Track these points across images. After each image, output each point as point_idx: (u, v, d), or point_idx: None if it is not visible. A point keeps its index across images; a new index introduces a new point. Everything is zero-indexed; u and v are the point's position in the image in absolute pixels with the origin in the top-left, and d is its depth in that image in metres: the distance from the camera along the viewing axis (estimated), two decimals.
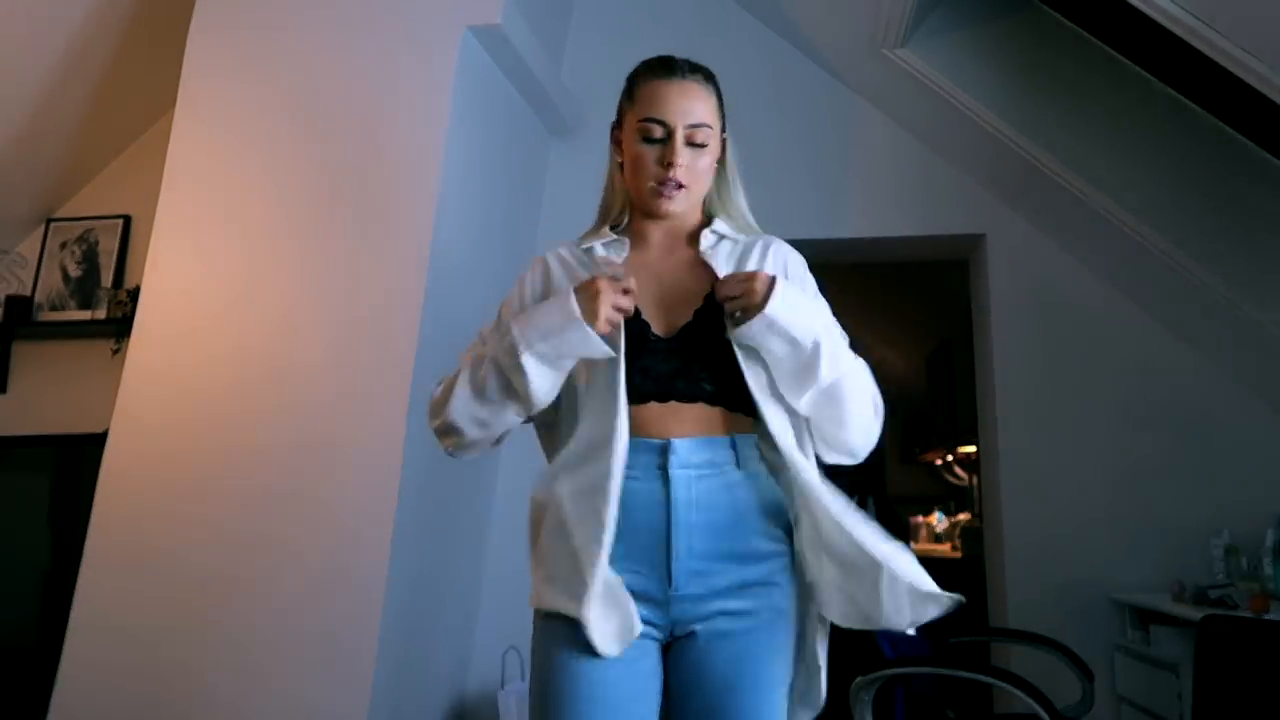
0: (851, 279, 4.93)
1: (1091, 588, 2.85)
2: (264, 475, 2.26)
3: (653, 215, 1.34)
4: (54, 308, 3.19)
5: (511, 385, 1.20)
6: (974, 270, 3.36)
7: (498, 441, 1.31)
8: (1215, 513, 2.78)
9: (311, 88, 2.56)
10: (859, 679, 2.01)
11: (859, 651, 2.11)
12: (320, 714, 2.08)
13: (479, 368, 1.23)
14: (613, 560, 1.15)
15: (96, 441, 2.44)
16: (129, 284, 3.13)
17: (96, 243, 3.24)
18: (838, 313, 1.35)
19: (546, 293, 1.31)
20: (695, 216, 1.38)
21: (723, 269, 1.29)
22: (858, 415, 1.27)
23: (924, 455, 5.51)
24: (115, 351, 3.04)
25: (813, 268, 1.41)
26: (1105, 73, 2.77)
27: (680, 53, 1.36)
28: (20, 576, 2.79)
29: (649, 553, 1.18)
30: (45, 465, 2.93)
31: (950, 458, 5.21)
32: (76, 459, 2.83)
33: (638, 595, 1.16)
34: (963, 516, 5.05)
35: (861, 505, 2.45)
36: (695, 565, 1.17)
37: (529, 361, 1.17)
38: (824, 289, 1.39)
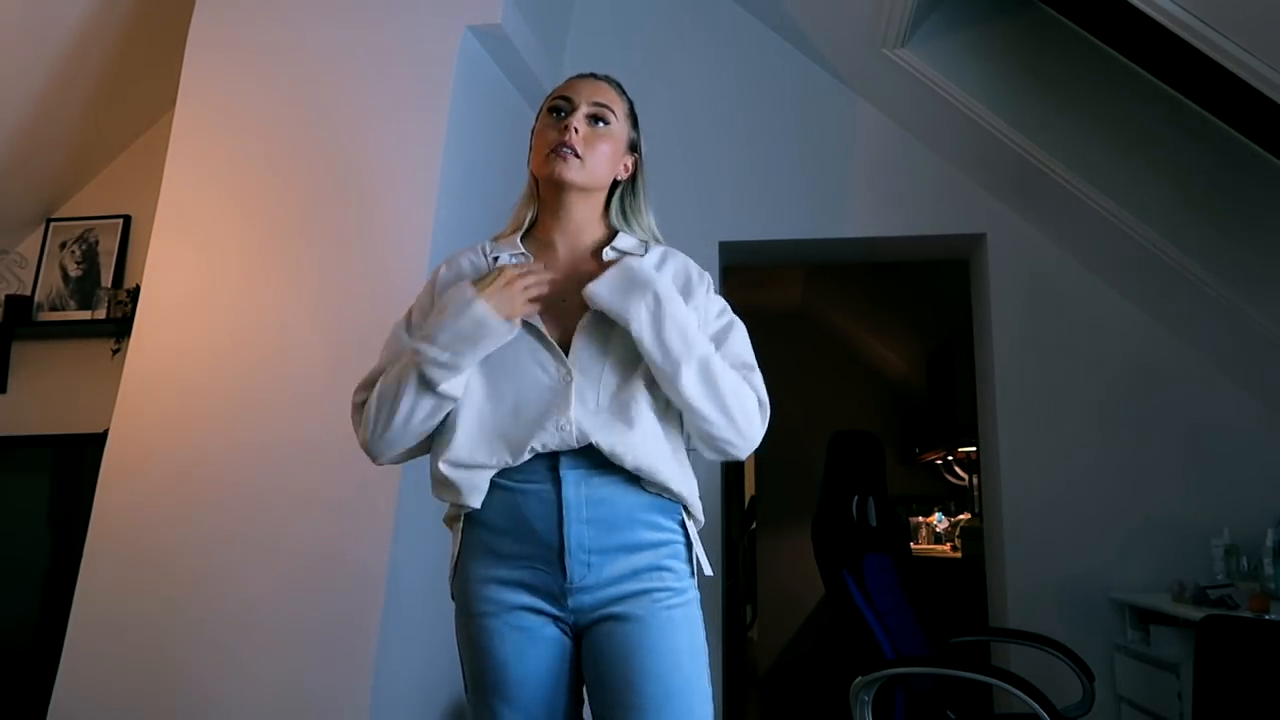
0: (851, 279, 4.94)
1: (1091, 588, 2.85)
2: (264, 474, 2.26)
3: (552, 190, 1.37)
4: (54, 308, 3.19)
5: (433, 389, 1.27)
6: (974, 270, 3.36)
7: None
8: (1215, 513, 2.78)
9: (311, 87, 2.56)
10: (859, 679, 2.02)
11: (859, 651, 2.11)
12: (321, 712, 2.08)
13: (398, 399, 1.29)
14: (512, 559, 1.27)
15: (96, 441, 2.44)
16: (129, 284, 3.13)
17: (96, 243, 3.24)
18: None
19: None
20: (595, 227, 1.42)
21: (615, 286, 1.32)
22: (737, 409, 1.31)
23: (924, 455, 5.51)
24: (115, 351, 3.04)
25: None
26: (1106, 73, 2.77)
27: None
28: (20, 576, 2.79)
29: (545, 550, 1.25)
30: (45, 465, 2.93)
31: (950, 458, 5.20)
32: (76, 459, 2.83)
33: (535, 591, 1.26)
34: (963, 516, 5.04)
35: (862, 505, 2.46)
36: (587, 559, 1.25)
37: (437, 368, 1.26)
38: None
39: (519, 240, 1.41)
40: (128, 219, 3.25)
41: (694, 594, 1.31)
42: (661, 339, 1.26)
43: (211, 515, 2.25)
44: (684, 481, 1.33)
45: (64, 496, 2.84)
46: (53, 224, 3.29)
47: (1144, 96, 2.74)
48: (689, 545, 1.33)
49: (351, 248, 2.40)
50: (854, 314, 5.57)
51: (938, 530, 5.24)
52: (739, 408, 1.31)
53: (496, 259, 1.39)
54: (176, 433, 2.35)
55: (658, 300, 1.27)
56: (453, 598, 1.34)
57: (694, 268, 1.43)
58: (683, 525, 1.33)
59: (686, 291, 1.38)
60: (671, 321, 1.27)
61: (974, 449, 4.14)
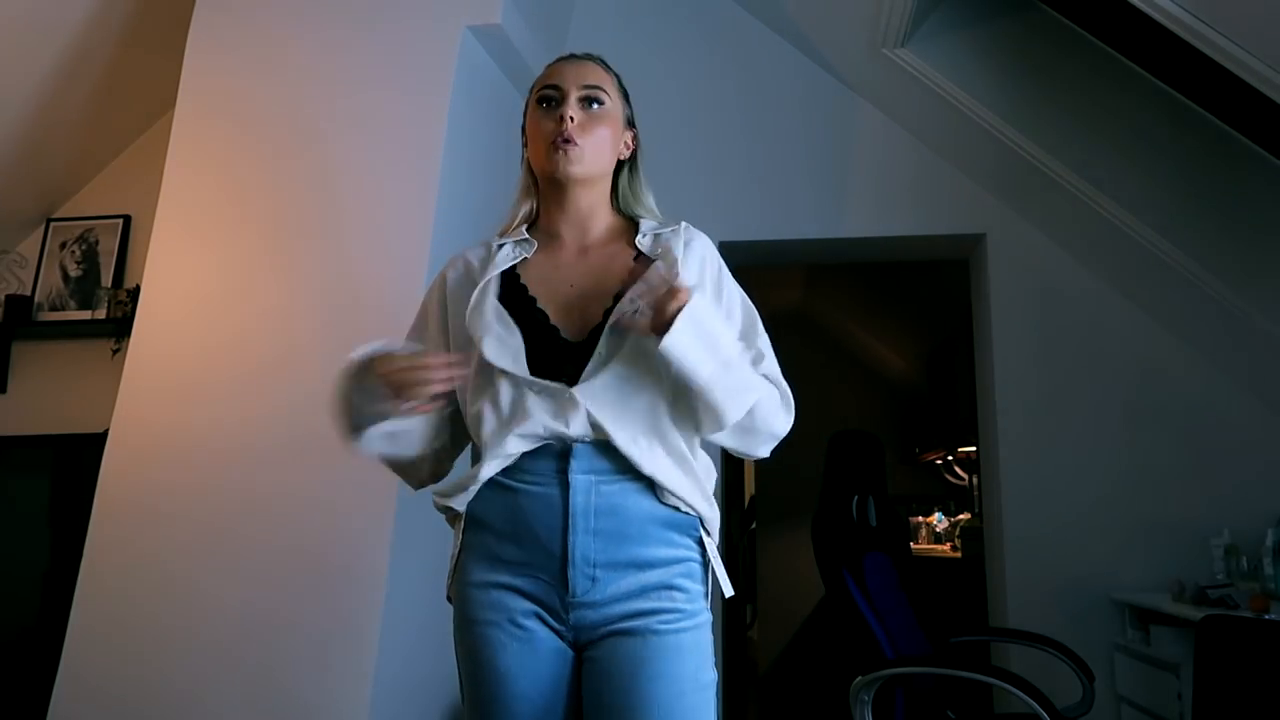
0: (851, 279, 4.93)
1: (1091, 588, 2.85)
2: (264, 475, 2.26)
3: (555, 185, 1.31)
4: (54, 308, 3.19)
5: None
6: (974, 270, 3.36)
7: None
8: (1215, 513, 2.78)
9: (311, 87, 2.56)
10: (859, 679, 2.02)
11: (859, 651, 2.11)
12: (320, 713, 2.08)
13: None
14: (514, 565, 1.20)
15: (96, 441, 2.44)
16: (129, 284, 3.13)
17: (96, 243, 3.24)
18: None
19: (443, 302, 1.36)
20: (604, 212, 1.36)
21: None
22: (763, 442, 1.32)
23: (924, 455, 5.50)
24: (115, 351, 3.04)
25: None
26: (1106, 73, 2.77)
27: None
28: (20, 576, 2.79)
29: (546, 559, 1.18)
30: (45, 465, 2.93)
31: (950, 458, 5.20)
32: (76, 459, 2.83)
33: (536, 601, 1.20)
34: (963, 516, 5.04)
35: (862, 505, 2.46)
36: (593, 573, 1.18)
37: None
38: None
39: (525, 230, 1.35)
40: (128, 219, 3.25)
41: (706, 617, 1.24)
42: (730, 385, 1.21)
43: (211, 515, 2.25)
44: (704, 498, 1.26)
45: (64, 496, 2.84)
46: (53, 224, 3.29)
47: (1144, 96, 2.74)
48: (705, 564, 1.26)
49: (352, 247, 2.41)
50: (854, 314, 5.57)
51: (938, 530, 5.24)
52: (776, 427, 1.31)
53: (501, 247, 1.33)
54: (176, 432, 2.35)
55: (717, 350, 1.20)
56: (449, 600, 1.28)
57: (713, 260, 1.36)
58: (700, 543, 1.26)
59: (717, 281, 1.33)
60: (730, 359, 1.21)
61: (974, 449, 4.14)
